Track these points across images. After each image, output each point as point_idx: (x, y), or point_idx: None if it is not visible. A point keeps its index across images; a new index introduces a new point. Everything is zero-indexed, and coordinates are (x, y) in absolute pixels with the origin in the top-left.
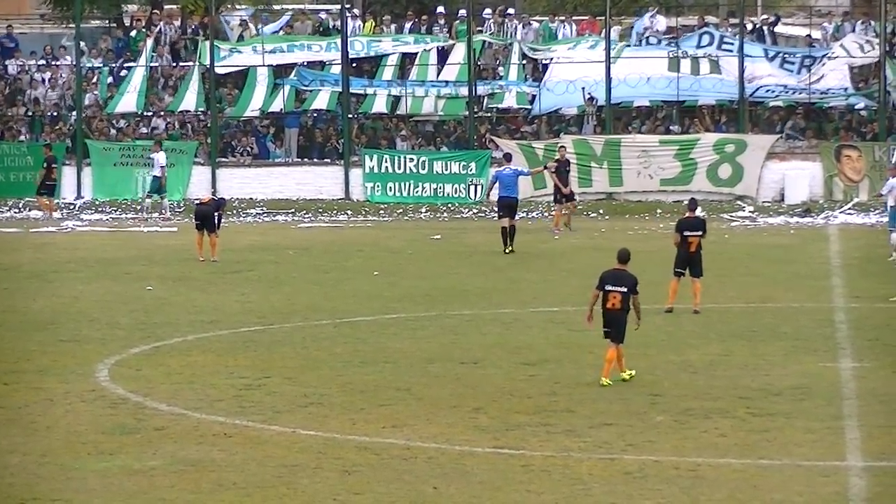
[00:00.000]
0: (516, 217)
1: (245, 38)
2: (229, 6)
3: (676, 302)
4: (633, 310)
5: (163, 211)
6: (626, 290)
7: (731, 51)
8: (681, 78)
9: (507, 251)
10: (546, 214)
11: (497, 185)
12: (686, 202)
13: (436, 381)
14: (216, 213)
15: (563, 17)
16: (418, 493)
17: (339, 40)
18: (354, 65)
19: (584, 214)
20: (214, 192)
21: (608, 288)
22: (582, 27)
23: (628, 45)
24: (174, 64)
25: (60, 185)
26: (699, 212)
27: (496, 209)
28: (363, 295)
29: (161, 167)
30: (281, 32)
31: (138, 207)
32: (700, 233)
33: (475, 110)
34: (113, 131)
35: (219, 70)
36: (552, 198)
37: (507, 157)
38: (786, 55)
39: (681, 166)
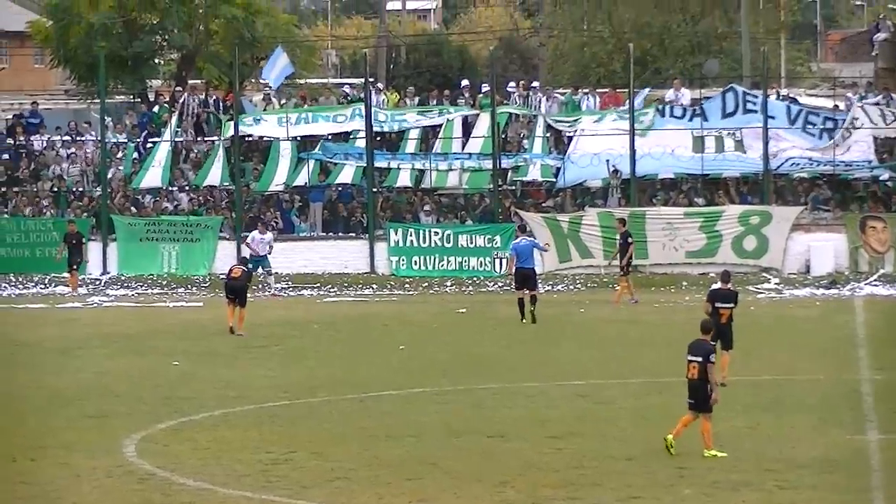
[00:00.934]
0: (538, 288)
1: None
2: (253, 80)
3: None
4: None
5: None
6: (701, 359)
7: (755, 111)
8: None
9: (523, 321)
10: (571, 288)
11: (515, 256)
12: (716, 274)
13: (462, 454)
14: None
15: (586, 90)
16: None
17: (362, 107)
18: (378, 138)
19: (609, 287)
20: (246, 262)
21: (689, 358)
22: (605, 99)
23: (655, 116)
24: (198, 138)
25: (86, 261)
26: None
27: (514, 280)
28: (389, 369)
29: (270, 246)
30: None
31: (268, 288)
32: (732, 304)
33: (499, 183)
34: (134, 208)
35: (243, 134)
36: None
37: (522, 228)
38: (809, 114)
39: (706, 238)
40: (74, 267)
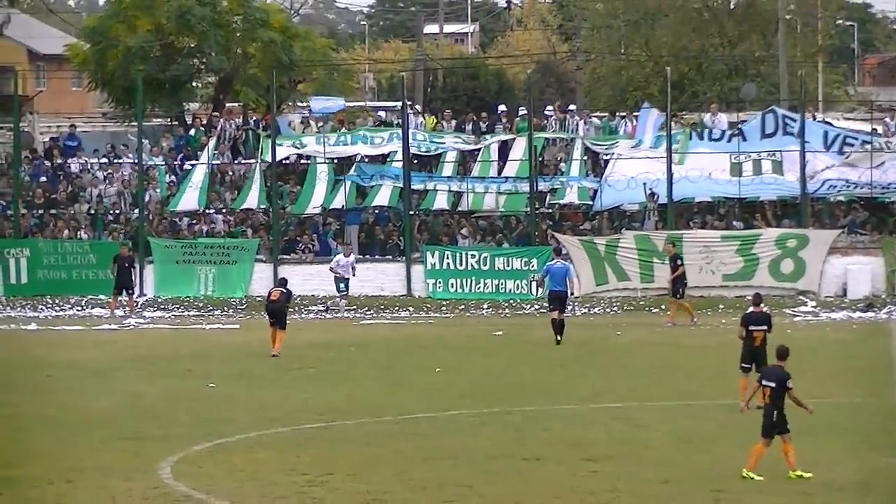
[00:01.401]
0: (566, 311)
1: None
2: (290, 103)
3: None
4: (794, 404)
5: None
6: (774, 385)
7: (793, 134)
8: (742, 175)
9: (558, 342)
10: (607, 310)
11: (547, 277)
12: (749, 297)
13: (498, 477)
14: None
15: (623, 114)
16: None
17: (400, 130)
18: (415, 160)
19: (646, 310)
20: (284, 283)
21: (763, 383)
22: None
23: (692, 139)
24: (235, 161)
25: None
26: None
27: (547, 302)
28: (425, 391)
29: (353, 267)
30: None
31: (335, 307)
32: (765, 327)
33: (536, 206)
34: (171, 230)
35: (281, 156)
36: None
37: (557, 251)
38: (846, 137)
39: (743, 261)
40: (130, 291)
